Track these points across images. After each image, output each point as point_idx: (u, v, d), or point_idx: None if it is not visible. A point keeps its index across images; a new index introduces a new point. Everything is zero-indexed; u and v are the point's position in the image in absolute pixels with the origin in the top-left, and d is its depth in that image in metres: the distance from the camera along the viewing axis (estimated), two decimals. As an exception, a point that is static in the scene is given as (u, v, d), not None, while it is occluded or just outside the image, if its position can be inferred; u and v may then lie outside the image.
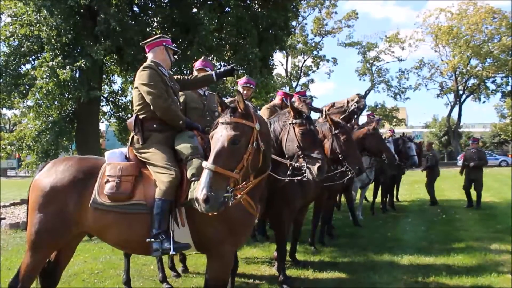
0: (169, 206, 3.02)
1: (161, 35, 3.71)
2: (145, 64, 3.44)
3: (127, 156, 3.39)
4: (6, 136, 11.27)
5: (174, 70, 10.28)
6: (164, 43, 3.57)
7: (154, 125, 3.34)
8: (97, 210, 3.09)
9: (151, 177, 3.15)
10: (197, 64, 4.59)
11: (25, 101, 10.78)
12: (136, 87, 3.41)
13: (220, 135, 2.66)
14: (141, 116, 3.37)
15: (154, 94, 3.27)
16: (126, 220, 3.07)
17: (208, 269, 3.21)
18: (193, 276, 5.20)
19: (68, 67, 8.98)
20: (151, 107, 3.31)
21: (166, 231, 3.00)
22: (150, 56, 3.56)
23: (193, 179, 2.97)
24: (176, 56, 3.83)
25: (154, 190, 3.06)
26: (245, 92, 5.29)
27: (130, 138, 3.46)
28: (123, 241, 3.22)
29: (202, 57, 4.66)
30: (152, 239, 2.98)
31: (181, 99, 4.31)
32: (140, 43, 3.74)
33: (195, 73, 4.39)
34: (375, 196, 10.29)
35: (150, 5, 10.93)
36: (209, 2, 10.68)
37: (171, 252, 2.98)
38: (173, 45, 3.72)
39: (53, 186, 3.13)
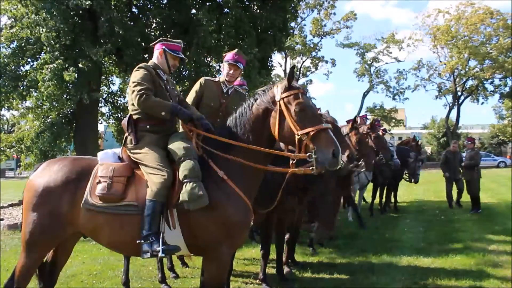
0: (161, 207, 2.97)
1: (164, 38, 3.55)
2: (140, 64, 3.39)
3: (120, 156, 3.35)
4: (4, 138, 11.24)
5: (173, 71, 10.24)
6: (163, 47, 3.44)
7: (148, 126, 3.29)
8: (88, 210, 3.07)
9: (144, 178, 3.11)
10: (229, 57, 4.01)
11: (24, 102, 10.74)
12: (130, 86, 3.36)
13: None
14: (134, 116, 3.32)
15: (135, 92, 3.17)
16: (118, 221, 3.05)
17: (205, 271, 3.20)
18: (192, 277, 5.19)
19: (71, 68, 8.96)
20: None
21: (156, 233, 2.95)
22: (153, 58, 3.52)
23: (185, 180, 2.93)
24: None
25: (146, 191, 3.01)
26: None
27: (124, 138, 3.42)
28: (115, 242, 3.19)
29: (236, 50, 4.09)
30: (142, 241, 2.94)
31: (199, 89, 4.07)
32: (150, 45, 3.62)
33: (225, 66, 4.09)
34: (373, 197, 10.29)
35: (149, 6, 10.91)
36: (208, 3, 10.66)
37: (160, 254, 2.92)
38: (177, 50, 3.49)
39: (46, 186, 3.12)
